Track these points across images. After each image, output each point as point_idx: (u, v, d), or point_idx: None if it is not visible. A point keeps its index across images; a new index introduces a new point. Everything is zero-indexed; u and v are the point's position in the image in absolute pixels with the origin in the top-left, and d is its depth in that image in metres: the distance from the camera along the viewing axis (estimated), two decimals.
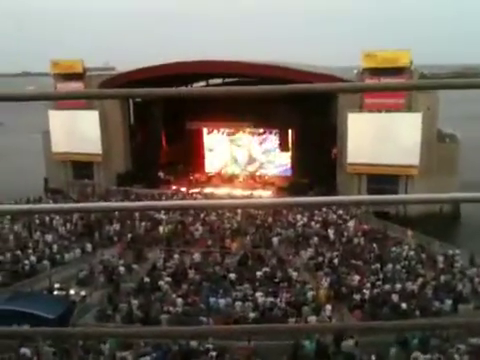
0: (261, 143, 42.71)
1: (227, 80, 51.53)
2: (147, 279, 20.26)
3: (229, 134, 42.88)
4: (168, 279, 20.03)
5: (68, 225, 27.47)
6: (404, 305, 17.20)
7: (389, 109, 33.32)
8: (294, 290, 18.98)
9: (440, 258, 22.29)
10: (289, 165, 41.13)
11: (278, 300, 17.86)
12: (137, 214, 27.98)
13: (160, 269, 21.61)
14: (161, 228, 26.89)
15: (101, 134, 40.49)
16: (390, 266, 21.11)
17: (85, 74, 40.81)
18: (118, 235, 26.42)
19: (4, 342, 14.19)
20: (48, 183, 43.16)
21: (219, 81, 52.96)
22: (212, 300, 18.08)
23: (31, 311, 16.62)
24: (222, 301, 18.04)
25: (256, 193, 36.80)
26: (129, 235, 26.11)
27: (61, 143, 41.04)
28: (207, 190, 37.64)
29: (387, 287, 18.90)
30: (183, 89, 1.78)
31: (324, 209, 29.39)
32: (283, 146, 40.22)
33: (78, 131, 39.52)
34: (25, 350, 14.24)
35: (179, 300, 18.12)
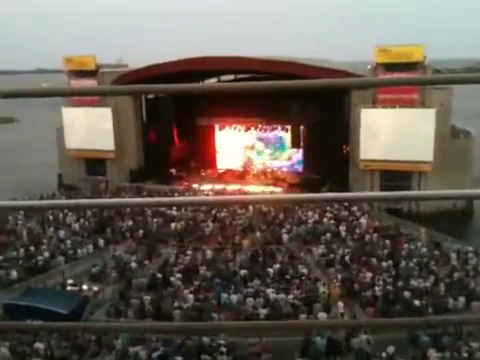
0: (273, 139, 42.64)
1: (239, 76, 51.54)
2: (159, 275, 20.36)
3: (241, 130, 42.84)
4: (180, 275, 20.12)
5: (81, 221, 27.67)
6: (417, 302, 17.10)
7: (403, 105, 33.02)
8: (305, 287, 18.96)
9: (453, 255, 22.11)
10: (301, 161, 41.02)
11: (289, 297, 17.84)
12: (149, 210, 28.14)
13: (172, 265, 21.71)
14: (173, 224, 27.01)
15: (114, 131, 40.73)
16: (403, 263, 20.98)
17: (98, 71, 41.04)
18: (130, 231, 26.59)
19: (18, 337, 14.40)
20: (62, 179, 43.56)
21: (231, 77, 52.97)
22: (224, 296, 18.13)
23: (44, 306, 16.81)
24: (233, 297, 18.07)
25: (268, 189, 36.78)
26: (141, 231, 26.27)
27: (74, 140, 41.37)
28: (218, 186, 37.67)
29: (400, 284, 18.80)
30: (194, 85, 1.77)
31: (336, 205, 29.27)
32: (295, 142, 40.11)
33: (91, 128, 39.79)
34: (38, 345, 14.40)
35: (191, 296, 18.20)
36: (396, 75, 33.40)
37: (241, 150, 43.17)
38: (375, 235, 25.16)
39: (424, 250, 22.89)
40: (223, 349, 14.39)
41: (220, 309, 17.39)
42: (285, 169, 41.77)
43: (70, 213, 28.30)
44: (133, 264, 21.92)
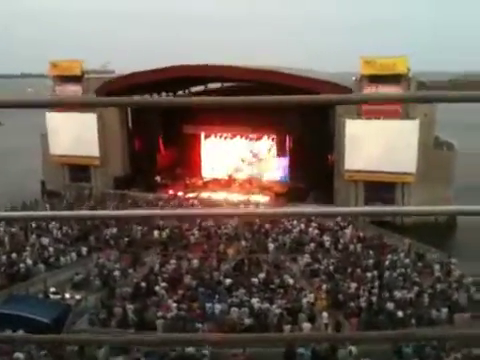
0: (258, 148, 42.75)
1: (226, 84, 51.69)
2: (143, 283, 20.19)
3: (226, 139, 42.87)
4: (164, 284, 19.98)
5: (64, 229, 27.35)
6: (400, 313, 17.20)
7: (387, 116, 33.38)
8: (290, 296, 18.95)
9: (436, 267, 22.32)
10: (286, 170, 41.16)
11: (274, 306, 17.81)
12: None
13: (156, 274, 21.56)
14: (157, 233, 26.85)
15: (99, 137, 40.46)
16: (387, 274, 21.11)
17: (83, 76, 40.80)
18: (114, 239, 26.37)
19: None
20: (45, 186, 43.06)
21: (218, 85, 53.09)
22: (208, 306, 18.03)
23: (26, 315, 16.55)
24: (218, 306, 17.99)
25: (253, 198, 36.80)
26: (126, 239, 26.06)
27: (59, 146, 40.98)
28: (204, 195, 37.60)
29: (383, 295, 18.89)
30: (180, 99, 1.79)
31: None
32: (281, 151, 40.28)
33: (76, 134, 39.45)
34: (18, 355, 14.14)
35: (175, 305, 18.07)
36: (381, 87, 33.88)
37: (227, 159, 43.17)
38: (359, 245, 25.30)
39: (407, 261, 23.07)
40: None
41: (204, 319, 17.28)
42: (271, 178, 41.85)
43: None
44: (117, 272, 21.71)
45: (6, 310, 17.12)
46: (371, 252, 24.18)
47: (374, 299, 18.51)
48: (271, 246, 25.24)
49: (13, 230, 26.81)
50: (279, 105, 1.80)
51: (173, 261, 22.85)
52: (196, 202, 35.08)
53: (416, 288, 19.48)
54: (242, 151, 43.02)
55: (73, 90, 40.77)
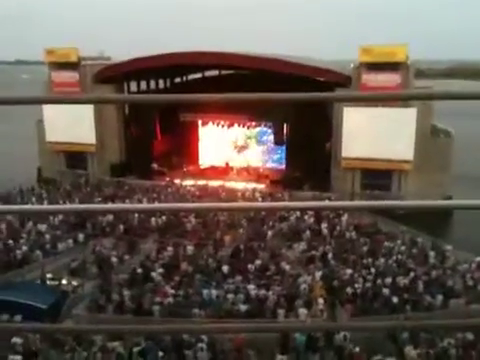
0: (255, 136, 42.70)
1: (224, 72, 51.47)
2: (140, 270, 20.25)
3: (223, 126, 42.77)
4: (161, 270, 20.05)
5: (61, 215, 27.32)
6: (395, 299, 17.32)
7: (384, 104, 33.32)
8: (286, 283, 19.06)
9: (431, 253, 22.45)
10: (283, 158, 41.14)
11: (270, 293, 17.91)
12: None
13: (153, 260, 21.62)
14: (154, 220, 26.88)
15: (95, 124, 40.29)
16: (382, 260, 21.23)
17: (80, 63, 40.51)
18: (111, 226, 26.39)
19: None
20: (41, 172, 42.99)
21: (215, 73, 52.83)
22: (205, 292, 18.12)
23: (23, 301, 16.63)
24: (214, 293, 18.08)
25: (250, 186, 36.83)
26: (122, 226, 26.09)
27: (55, 133, 40.82)
28: (201, 182, 37.60)
29: (379, 281, 19.01)
30: (175, 95, 1.78)
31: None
32: (278, 139, 40.20)
33: (72, 121, 39.23)
34: (16, 340, 14.22)
35: (171, 291, 18.15)
36: (379, 74, 33.77)
37: (224, 146, 43.13)
38: (355, 233, 25.41)
39: (403, 248, 23.19)
40: (203, 345, 14.40)
41: (201, 304, 17.37)
42: (268, 166, 41.88)
43: None
44: (113, 259, 21.76)
45: (3, 296, 17.19)
46: (367, 239, 24.29)
47: (369, 285, 18.62)
48: (268, 233, 25.32)
49: (9, 217, 26.76)
50: (276, 102, 1.79)
51: (170, 248, 22.90)
52: (193, 189, 35.04)
53: (411, 274, 19.60)
54: (239, 139, 42.98)
55: (70, 76, 40.51)
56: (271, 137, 41.11)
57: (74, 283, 19.59)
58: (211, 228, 26.14)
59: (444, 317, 15.99)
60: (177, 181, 38.04)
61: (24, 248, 22.43)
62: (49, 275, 20.09)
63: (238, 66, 41.43)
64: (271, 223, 26.74)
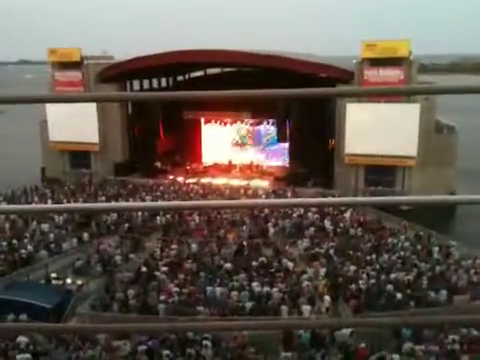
0: (259, 133, 42.66)
1: (226, 69, 51.41)
2: (144, 268, 20.29)
3: (227, 124, 42.76)
4: (165, 269, 20.08)
5: (65, 214, 27.37)
6: (399, 295, 17.28)
7: (388, 99, 33.23)
8: (290, 280, 19.05)
9: (435, 249, 22.39)
10: (287, 155, 41.09)
11: (274, 290, 17.91)
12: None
13: (157, 259, 21.65)
14: (158, 218, 26.92)
15: (99, 123, 40.37)
16: (386, 257, 21.19)
17: (83, 62, 40.56)
18: (115, 225, 26.45)
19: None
20: (45, 172, 43.09)
21: (217, 70, 52.78)
22: (209, 289, 18.14)
23: (27, 300, 16.69)
24: (218, 290, 18.10)
25: (253, 183, 36.82)
26: (126, 225, 26.14)
27: (58, 132, 40.90)
28: (204, 180, 37.61)
29: (383, 277, 18.98)
30: (177, 93, 1.78)
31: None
32: (281, 136, 40.13)
33: (76, 120, 39.31)
34: (21, 339, 14.27)
35: (176, 289, 18.18)
36: (381, 70, 33.67)
37: (227, 144, 43.14)
38: (359, 229, 25.37)
39: (407, 244, 23.14)
40: (207, 342, 14.42)
41: (206, 302, 17.39)
42: (271, 162, 41.83)
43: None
44: (118, 258, 21.81)
45: (8, 296, 17.28)
46: (371, 235, 24.25)
47: (373, 281, 18.59)
48: (271, 230, 25.32)
49: (13, 216, 26.84)
50: (277, 98, 1.78)
51: (174, 246, 22.93)
52: (196, 187, 35.05)
53: (415, 270, 19.56)
54: (242, 136, 42.97)
55: (72, 76, 40.58)
56: (274, 134, 41.05)
57: (78, 282, 19.65)
58: (215, 226, 26.16)
59: (448, 313, 15.94)
60: (180, 179, 38.08)
61: (29, 248, 22.50)
62: (53, 274, 20.16)
63: (240, 63, 41.40)
64: (274, 220, 26.72)
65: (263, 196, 32.63)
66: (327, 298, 17.56)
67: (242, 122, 42.19)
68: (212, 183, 36.76)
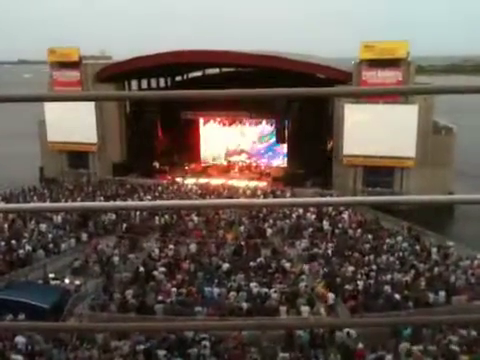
0: (257, 133, 42.66)
1: (224, 70, 51.42)
2: (142, 269, 20.27)
3: (225, 124, 42.76)
4: (163, 269, 20.06)
5: (63, 214, 27.37)
6: (397, 296, 17.30)
7: (386, 100, 33.27)
8: (288, 281, 19.05)
9: (434, 250, 22.41)
10: (285, 156, 41.08)
11: (272, 290, 17.91)
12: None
13: (155, 259, 21.63)
14: (157, 218, 26.90)
15: (97, 124, 40.32)
16: (384, 257, 21.20)
17: (81, 62, 40.53)
18: (113, 225, 26.42)
19: None
20: (43, 172, 43.03)
21: (216, 71, 52.80)
22: (207, 290, 18.13)
23: (25, 300, 16.65)
24: (216, 291, 18.09)
25: (252, 184, 36.81)
26: (124, 225, 26.12)
27: (56, 132, 40.84)
28: (202, 180, 37.60)
29: (381, 278, 18.99)
30: (179, 92, 1.77)
31: None
32: (279, 137, 40.14)
33: (74, 120, 39.25)
34: (19, 339, 14.25)
35: (174, 290, 18.16)
36: (380, 71, 33.72)
37: (225, 144, 43.13)
38: (358, 230, 25.38)
39: (405, 244, 23.16)
40: (206, 342, 14.42)
41: (204, 303, 17.38)
42: (269, 163, 41.83)
43: None
44: (116, 258, 21.78)
45: (6, 296, 17.24)
46: (369, 236, 24.26)
47: (372, 282, 18.60)
48: (269, 231, 25.32)
49: (12, 216, 26.80)
50: (275, 97, 1.79)
51: (172, 246, 22.92)
52: (195, 188, 35.04)
53: (413, 271, 19.58)
54: (241, 137, 42.95)
55: (71, 75, 40.55)
56: (273, 135, 41.05)
57: (76, 282, 19.61)
58: (213, 226, 26.15)
59: (446, 314, 15.96)
60: (179, 179, 38.06)
61: (27, 248, 22.46)
62: (51, 274, 20.12)
63: (238, 64, 41.39)
64: (272, 221, 26.73)
65: (261, 196, 32.62)
66: (331, 295, 17.61)
67: (241, 123, 42.19)
68: (210, 183, 36.75)
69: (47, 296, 17.47)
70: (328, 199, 2.08)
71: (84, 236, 24.81)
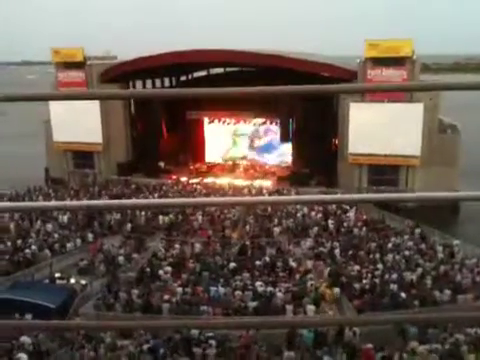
0: (262, 133, 42.64)
1: (229, 69, 51.39)
2: (147, 268, 20.31)
3: (230, 124, 42.77)
4: (168, 268, 20.09)
5: (69, 214, 27.45)
6: (403, 295, 17.25)
7: (391, 99, 33.15)
8: (294, 280, 19.03)
9: (439, 248, 22.33)
10: (290, 155, 41.04)
11: (278, 290, 17.90)
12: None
13: (161, 258, 21.66)
14: (162, 218, 26.94)
15: (102, 123, 40.37)
16: (390, 256, 21.14)
17: (86, 63, 40.59)
18: (119, 224, 26.47)
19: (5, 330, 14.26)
20: (49, 173, 43.14)
21: (220, 70, 52.78)
22: (213, 289, 18.14)
23: (32, 300, 16.71)
24: (222, 290, 18.10)
25: (256, 183, 36.80)
26: (129, 225, 26.16)
27: (62, 132, 40.91)
28: (207, 180, 37.62)
29: (387, 277, 18.95)
30: (184, 90, 1.78)
31: None
32: (284, 136, 40.07)
33: (79, 120, 39.31)
34: (25, 339, 14.30)
35: (179, 289, 18.19)
36: (385, 70, 33.60)
37: (230, 143, 43.16)
38: (363, 228, 25.33)
39: (411, 243, 23.09)
40: (212, 342, 14.42)
41: (209, 302, 17.39)
42: (274, 162, 41.82)
43: None
44: (121, 258, 21.83)
45: (12, 296, 17.32)
46: (375, 235, 24.21)
47: (377, 281, 18.56)
48: (275, 230, 25.31)
49: (17, 216, 26.92)
50: (280, 94, 1.78)
51: (177, 246, 22.95)
52: (200, 187, 35.07)
53: (419, 270, 19.51)
54: (245, 136, 42.98)
55: (76, 76, 40.61)
56: (277, 134, 41.00)
57: (82, 282, 19.67)
58: (218, 225, 26.16)
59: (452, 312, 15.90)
60: (184, 179, 38.09)
61: (33, 247, 22.54)
62: (57, 274, 20.19)
63: (243, 63, 41.35)
64: (278, 220, 26.71)
65: (266, 195, 32.61)
66: (336, 290, 17.59)
67: (245, 122, 42.18)
68: (215, 183, 36.77)
69: (53, 296, 17.53)
70: (333, 196, 2.08)
71: (90, 236, 24.86)
